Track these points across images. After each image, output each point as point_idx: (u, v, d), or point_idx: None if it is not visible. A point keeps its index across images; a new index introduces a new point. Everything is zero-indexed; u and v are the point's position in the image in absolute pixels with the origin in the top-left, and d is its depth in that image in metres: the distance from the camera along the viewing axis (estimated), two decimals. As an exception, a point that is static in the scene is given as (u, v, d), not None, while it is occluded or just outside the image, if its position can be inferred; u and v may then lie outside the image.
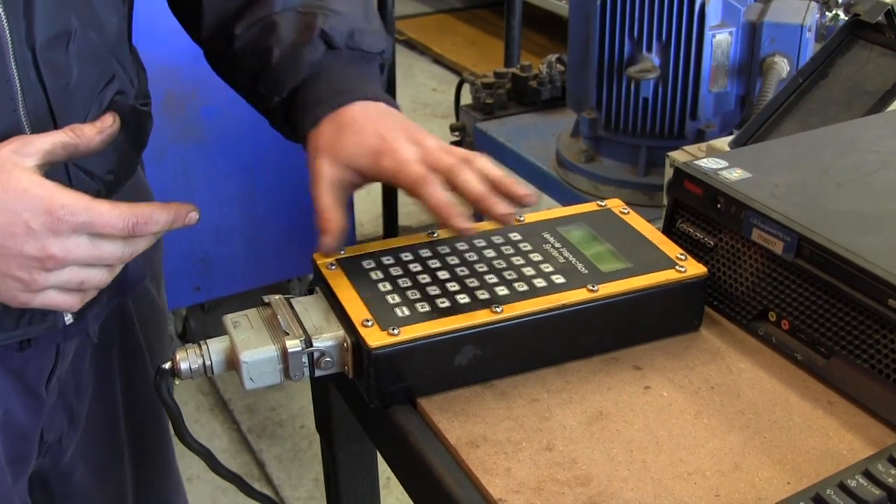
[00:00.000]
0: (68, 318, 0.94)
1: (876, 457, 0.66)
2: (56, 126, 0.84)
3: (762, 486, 0.68)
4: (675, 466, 0.70)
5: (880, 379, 0.74)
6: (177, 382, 0.80)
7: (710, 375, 0.80)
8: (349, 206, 3.10)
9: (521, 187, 0.82)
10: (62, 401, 1.01)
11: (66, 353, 0.99)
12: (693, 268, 0.83)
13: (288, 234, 2.79)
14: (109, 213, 0.78)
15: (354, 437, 0.96)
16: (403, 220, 3.34)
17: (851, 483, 0.63)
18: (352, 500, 1.01)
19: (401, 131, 0.86)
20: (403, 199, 3.43)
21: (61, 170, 0.87)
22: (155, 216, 0.80)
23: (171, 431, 1.21)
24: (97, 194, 0.93)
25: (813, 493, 0.63)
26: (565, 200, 2.06)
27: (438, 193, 0.81)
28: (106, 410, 1.09)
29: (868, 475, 0.64)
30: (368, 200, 3.60)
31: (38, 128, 0.82)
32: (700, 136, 1.88)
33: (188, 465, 2.45)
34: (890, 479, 0.63)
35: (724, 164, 0.89)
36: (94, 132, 0.83)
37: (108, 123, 0.85)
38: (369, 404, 0.76)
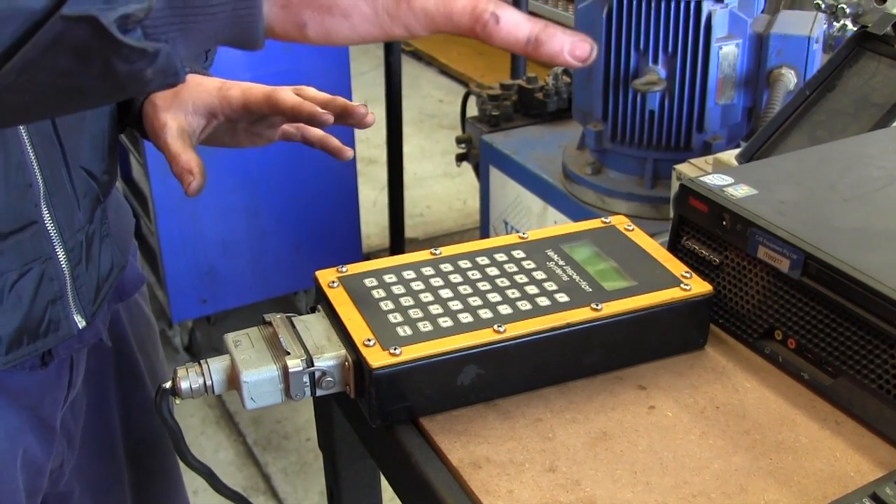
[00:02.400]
0: (81, 323, 0.94)
1: (883, 479, 0.65)
2: (58, 135, 0.86)
3: (768, 508, 0.67)
4: (680, 488, 0.69)
5: (888, 399, 0.73)
6: (177, 402, 0.79)
7: (715, 395, 0.79)
8: (355, 219, 3.11)
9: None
10: (62, 426, 1.00)
11: (76, 379, 0.99)
12: (698, 286, 0.82)
13: (294, 247, 2.79)
14: None
15: (357, 455, 0.95)
16: (410, 232, 3.34)
17: (859, 506, 0.63)
18: (355, 518, 1.00)
19: None
20: (410, 212, 3.43)
21: (61, 168, 0.87)
22: None
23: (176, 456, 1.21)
24: (97, 197, 0.95)
25: (820, 517, 0.62)
26: (571, 213, 2.06)
27: (293, 96, 0.88)
28: (102, 430, 1.09)
29: (875, 498, 0.63)
30: (375, 213, 3.60)
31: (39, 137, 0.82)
32: (707, 149, 1.88)
33: (194, 478, 2.44)
34: (898, 503, 0.62)
35: (729, 180, 0.88)
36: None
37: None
38: (371, 424, 0.76)
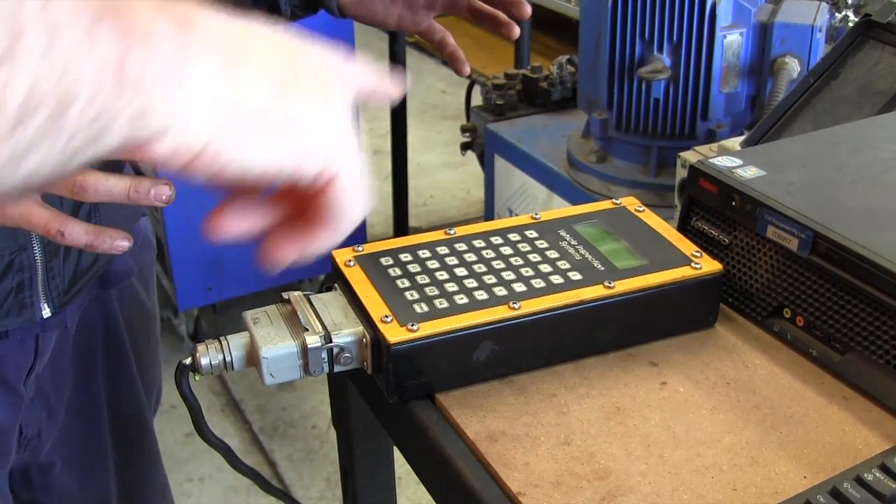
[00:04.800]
0: (46, 312, 0.95)
1: (892, 451, 0.67)
2: None
3: (779, 480, 0.69)
4: (693, 461, 0.71)
5: (895, 374, 0.75)
6: (196, 378, 0.80)
7: (725, 371, 0.80)
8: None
9: None
10: (39, 395, 1.02)
11: (44, 349, 0.99)
12: (708, 265, 0.83)
13: (299, 235, 2.80)
14: None
15: (371, 433, 0.97)
16: (413, 221, 3.35)
17: (868, 476, 0.64)
18: (368, 497, 1.01)
19: None
20: (413, 202, 3.44)
21: None
22: None
23: (157, 438, 1.22)
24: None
25: (830, 487, 0.64)
26: (576, 201, 2.07)
27: None
28: (87, 407, 1.10)
29: (885, 469, 0.65)
30: (378, 202, 3.61)
31: None
32: (711, 137, 1.89)
33: (199, 465, 2.46)
34: (906, 473, 0.64)
35: (738, 162, 0.89)
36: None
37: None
38: (388, 400, 0.77)
